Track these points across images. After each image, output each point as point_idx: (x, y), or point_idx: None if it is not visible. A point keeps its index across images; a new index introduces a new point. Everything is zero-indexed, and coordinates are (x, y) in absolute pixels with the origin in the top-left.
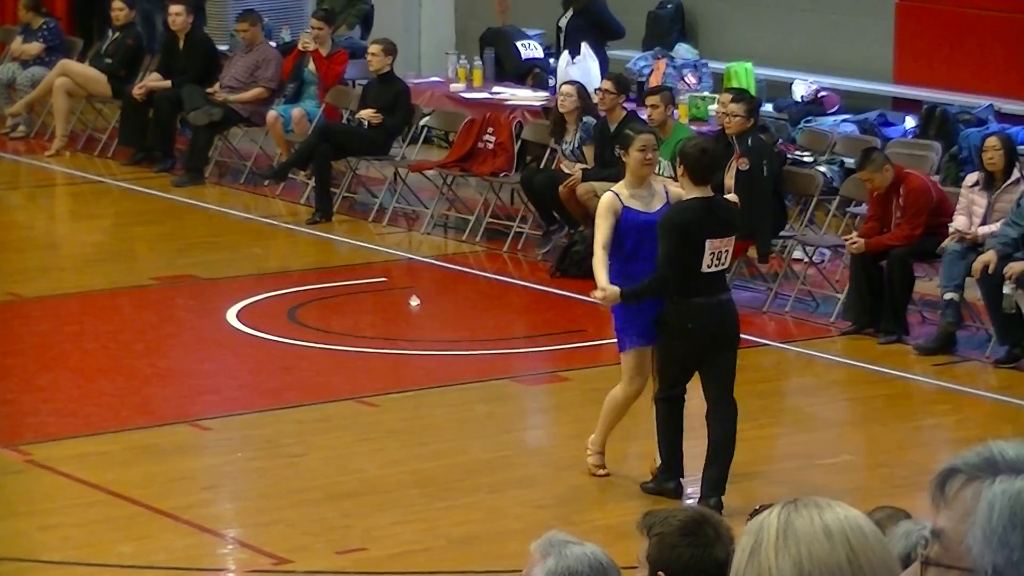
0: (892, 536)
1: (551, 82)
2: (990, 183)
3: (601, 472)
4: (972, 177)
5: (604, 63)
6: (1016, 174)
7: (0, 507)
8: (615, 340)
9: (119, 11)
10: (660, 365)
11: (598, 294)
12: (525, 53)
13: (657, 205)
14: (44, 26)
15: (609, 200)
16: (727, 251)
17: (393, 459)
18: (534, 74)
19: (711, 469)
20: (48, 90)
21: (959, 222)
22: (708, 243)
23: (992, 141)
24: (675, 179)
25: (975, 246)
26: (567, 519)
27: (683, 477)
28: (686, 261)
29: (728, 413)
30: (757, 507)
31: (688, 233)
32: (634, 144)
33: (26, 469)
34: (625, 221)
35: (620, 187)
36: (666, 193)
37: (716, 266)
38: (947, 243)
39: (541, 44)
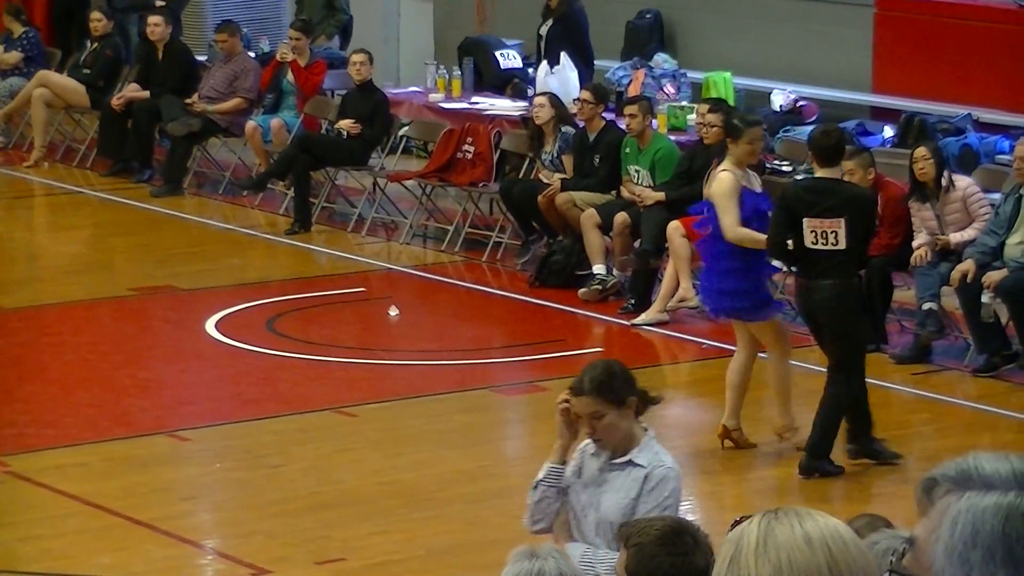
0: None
1: (531, 92)
2: (924, 194)
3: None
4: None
5: (589, 72)
6: (944, 182)
7: None
8: (589, 350)
9: (97, 22)
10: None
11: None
12: (504, 63)
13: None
14: (24, 35)
15: (731, 179)
16: (834, 232)
17: (372, 469)
18: (513, 84)
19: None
20: (26, 101)
21: (921, 238)
22: (806, 222)
23: (921, 151)
24: (652, 188)
25: (946, 254)
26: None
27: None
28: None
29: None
30: (738, 518)
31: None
32: (744, 137)
33: (5, 480)
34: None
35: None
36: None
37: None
38: (914, 260)
39: (520, 54)
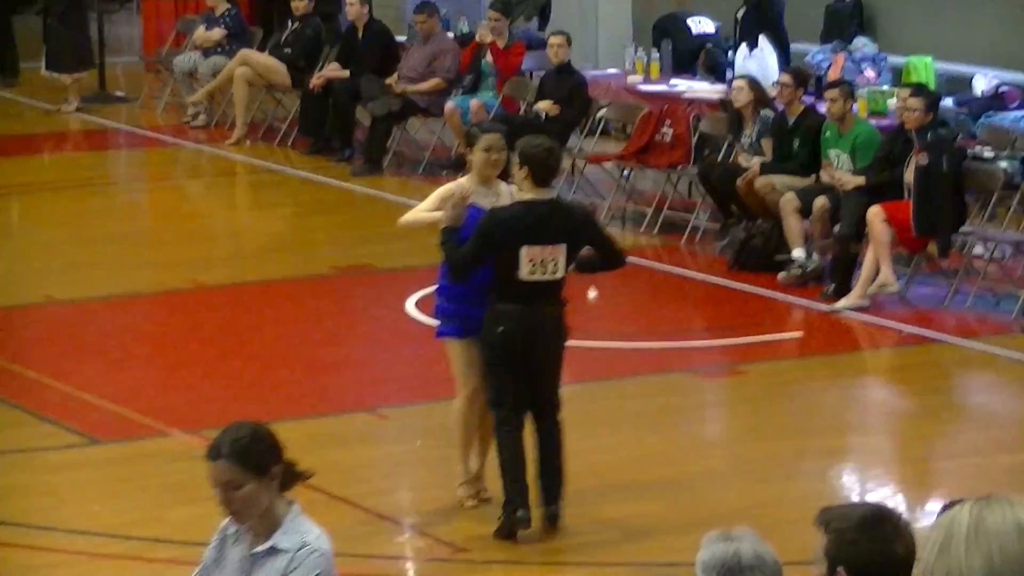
0: None
1: (729, 75)
2: None
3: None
4: None
5: (783, 55)
6: None
7: (182, 492)
8: (787, 334)
9: (299, 1)
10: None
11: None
12: (696, 28)
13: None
14: (226, 13)
15: (446, 190)
16: (554, 260)
17: (570, 451)
18: (706, 51)
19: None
20: (228, 79)
21: None
22: (525, 250)
23: None
24: (852, 172)
25: None
26: (747, 512)
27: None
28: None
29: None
30: (948, 502)
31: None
32: (479, 143)
33: None
34: (469, 219)
35: (469, 182)
36: (510, 196)
37: (539, 275)
38: None
39: (713, 21)
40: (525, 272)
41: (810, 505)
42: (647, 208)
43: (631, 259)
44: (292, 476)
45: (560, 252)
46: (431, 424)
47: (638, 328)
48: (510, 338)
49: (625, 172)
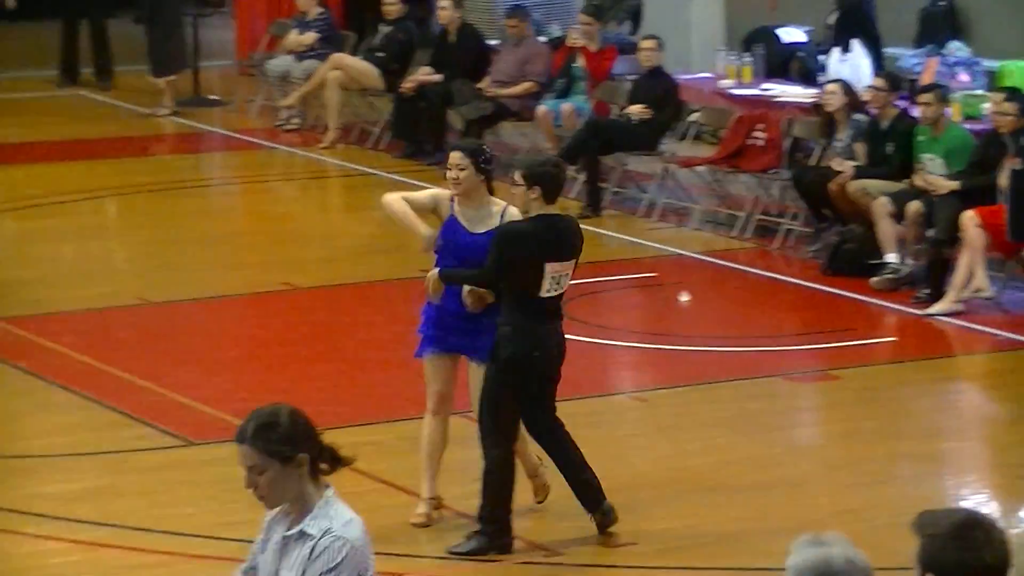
0: None
1: (821, 79)
2: None
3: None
4: None
5: (876, 60)
6: None
7: None
8: (880, 339)
9: (391, 6)
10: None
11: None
12: (786, 38)
13: (483, 229)
14: (319, 17)
15: (443, 194)
16: (566, 275)
17: (662, 454)
18: (797, 60)
19: None
20: (321, 83)
21: None
22: (549, 266)
23: None
24: (946, 177)
25: None
26: (838, 517)
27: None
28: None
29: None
30: None
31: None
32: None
33: None
34: (446, 228)
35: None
36: (502, 217)
37: (555, 291)
38: None
39: (805, 31)
40: (545, 288)
41: (902, 510)
42: (739, 212)
43: (723, 263)
44: (330, 462)
45: (571, 267)
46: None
47: (730, 332)
48: (549, 357)
49: (717, 176)
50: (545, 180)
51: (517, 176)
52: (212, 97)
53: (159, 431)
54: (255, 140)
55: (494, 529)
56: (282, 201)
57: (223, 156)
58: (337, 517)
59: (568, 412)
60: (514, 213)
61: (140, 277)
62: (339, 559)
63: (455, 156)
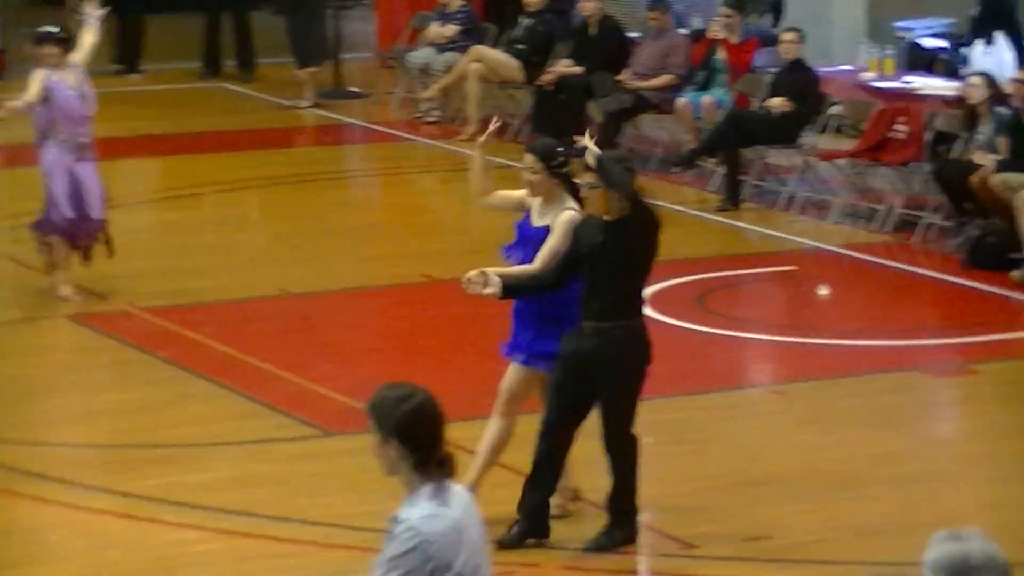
0: None
1: (964, 72)
2: None
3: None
4: None
5: (1019, 52)
6: None
7: None
8: (1020, 333)
9: None
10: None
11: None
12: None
13: (541, 224)
14: (460, 9)
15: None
16: None
17: (799, 448)
18: (937, 60)
19: None
20: (461, 75)
21: None
22: None
23: None
24: None
25: None
26: (977, 513)
27: None
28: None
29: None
30: None
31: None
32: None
33: None
34: (521, 220)
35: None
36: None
37: None
38: None
39: (946, 28)
40: None
41: None
42: (879, 205)
43: (863, 256)
44: (424, 460)
45: None
46: (661, 420)
47: (869, 326)
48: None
49: (857, 169)
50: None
51: (592, 177)
52: (353, 89)
53: (297, 421)
54: (395, 132)
55: (628, 519)
56: (421, 193)
57: (363, 148)
58: (419, 509)
59: (704, 405)
60: (569, 215)
61: (280, 268)
62: (404, 549)
63: (528, 159)
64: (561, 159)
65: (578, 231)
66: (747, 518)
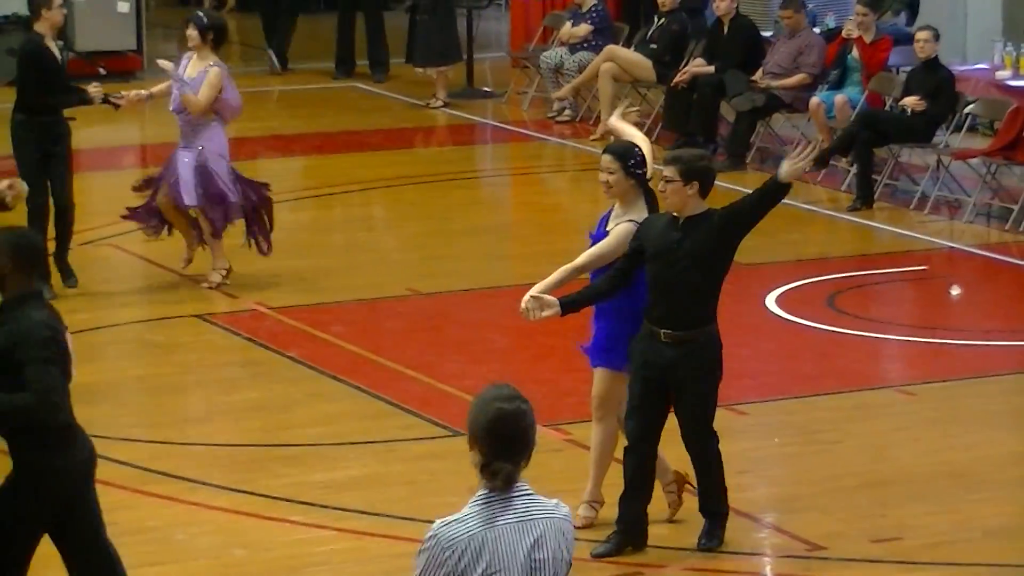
0: None
1: None
2: None
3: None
4: None
5: None
6: None
7: (540, 485)
8: None
9: None
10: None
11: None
12: None
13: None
14: (593, 8)
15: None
16: None
17: (928, 449)
18: None
19: None
20: (594, 75)
21: None
22: None
23: None
24: None
25: None
26: None
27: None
28: None
29: None
30: None
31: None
32: None
33: (564, 448)
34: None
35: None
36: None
37: None
38: None
39: None
40: None
41: None
42: (1013, 205)
43: (996, 256)
44: (484, 467)
45: None
46: (790, 421)
47: (1001, 326)
48: None
49: (991, 168)
50: (705, 175)
51: (670, 171)
52: (485, 89)
53: (426, 421)
54: (527, 132)
55: (724, 519)
56: (552, 193)
57: (494, 148)
58: (458, 514)
59: (834, 405)
60: (627, 227)
61: (409, 268)
62: (422, 547)
63: (604, 159)
64: (637, 159)
65: (644, 232)
66: (875, 519)
